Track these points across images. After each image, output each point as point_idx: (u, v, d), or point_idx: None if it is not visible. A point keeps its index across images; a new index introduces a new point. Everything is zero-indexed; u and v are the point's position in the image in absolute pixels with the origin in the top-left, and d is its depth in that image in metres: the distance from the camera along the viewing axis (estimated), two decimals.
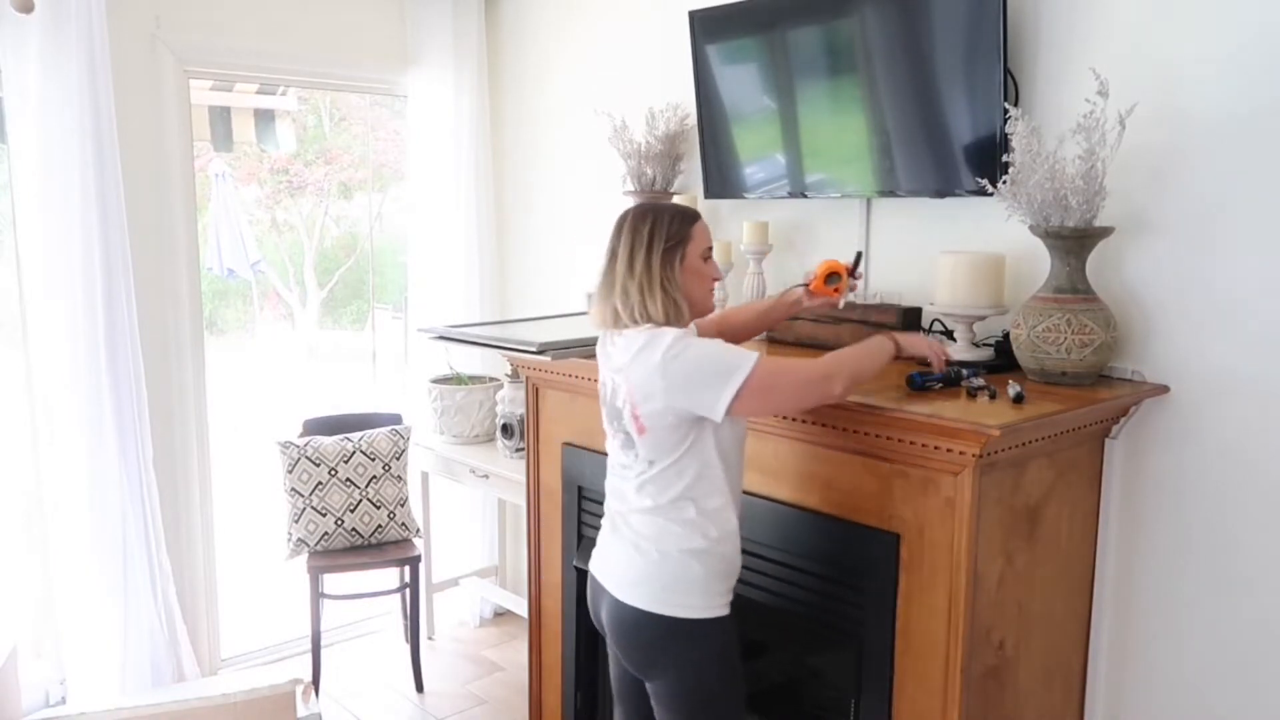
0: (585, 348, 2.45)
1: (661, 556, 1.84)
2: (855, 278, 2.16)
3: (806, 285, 2.14)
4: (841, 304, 2.15)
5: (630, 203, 3.05)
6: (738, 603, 1.91)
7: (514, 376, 3.39)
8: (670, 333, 1.78)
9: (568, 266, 3.59)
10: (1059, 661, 2.14)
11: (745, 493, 2.21)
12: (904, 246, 2.54)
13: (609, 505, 1.97)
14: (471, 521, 3.95)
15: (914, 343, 1.99)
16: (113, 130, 2.92)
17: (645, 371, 1.78)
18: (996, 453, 1.78)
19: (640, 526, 1.88)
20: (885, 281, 2.56)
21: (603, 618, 1.96)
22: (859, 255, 2.19)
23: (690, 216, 1.89)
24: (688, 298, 1.85)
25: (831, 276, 2.11)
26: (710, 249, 1.91)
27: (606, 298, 1.87)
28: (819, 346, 2.52)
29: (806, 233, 2.77)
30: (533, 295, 3.80)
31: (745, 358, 1.75)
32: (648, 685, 1.93)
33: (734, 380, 1.73)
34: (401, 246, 4.12)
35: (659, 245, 1.83)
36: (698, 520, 1.84)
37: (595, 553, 2.00)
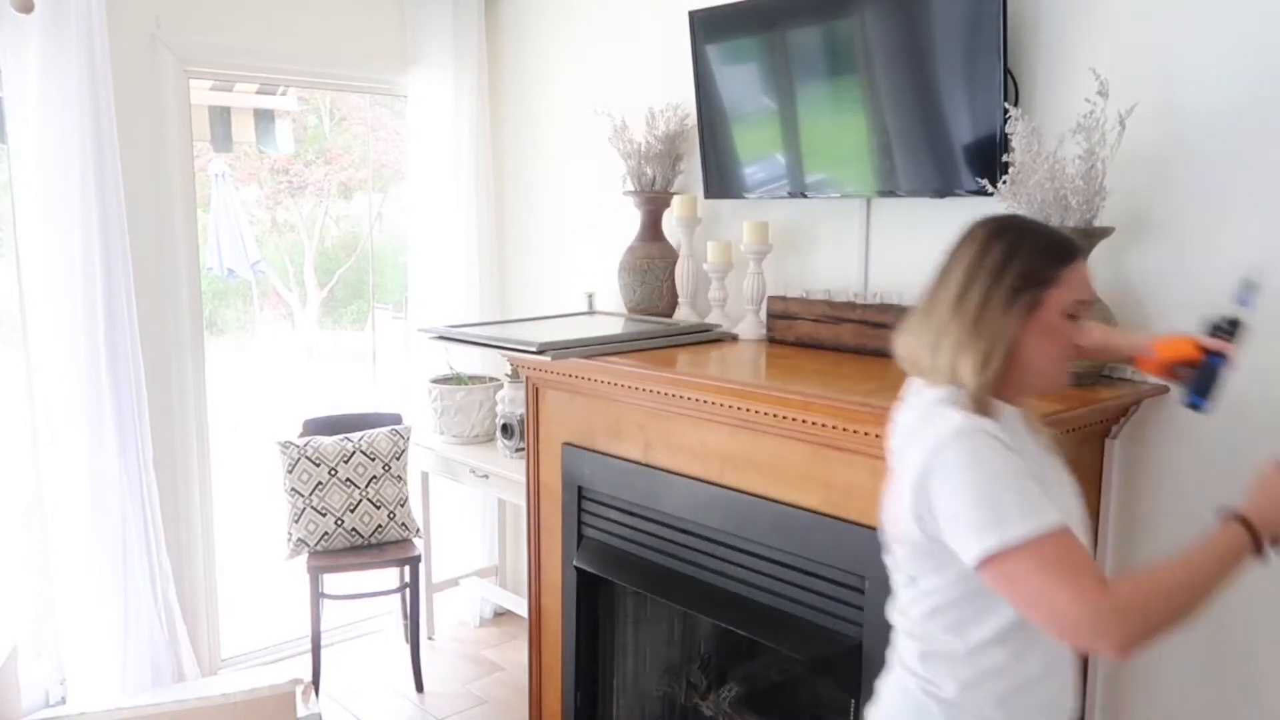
0: (585, 348, 2.46)
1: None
2: (1220, 355, 1.52)
3: (1146, 355, 1.60)
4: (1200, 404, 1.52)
5: (630, 202, 3.06)
6: (735, 600, 1.90)
7: (514, 376, 3.39)
8: (954, 417, 1.28)
9: (568, 266, 3.59)
10: None
11: (745, 493, 2.22)
12: (904, 246, 2.53)
13: None
14: (471, 521, 3.95)
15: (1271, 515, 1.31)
16: (113, 130, 2.92)
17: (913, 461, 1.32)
18: None
19: None
20: (885, 281, 2.56)
21: None
22: (1235, 324, 1.52)
23: (1066, 251, 1.36)
24: (1023, 367, 1.33)
25: (1179, 366, 1.54)
26: (1085, 303, 1.35)
27: (918, 333, 1.40)
28: (819, 347, 2.51)
29: (806, 233, 2.77)
30: (533, 295, 3.80)
31: (1035, 512, 1.22)
32: None
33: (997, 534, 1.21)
34: (401, 246, 4.12)
35: (1006, 281, 1.31)
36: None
37: None
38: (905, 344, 1.42)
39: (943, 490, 1.27)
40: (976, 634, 1.34)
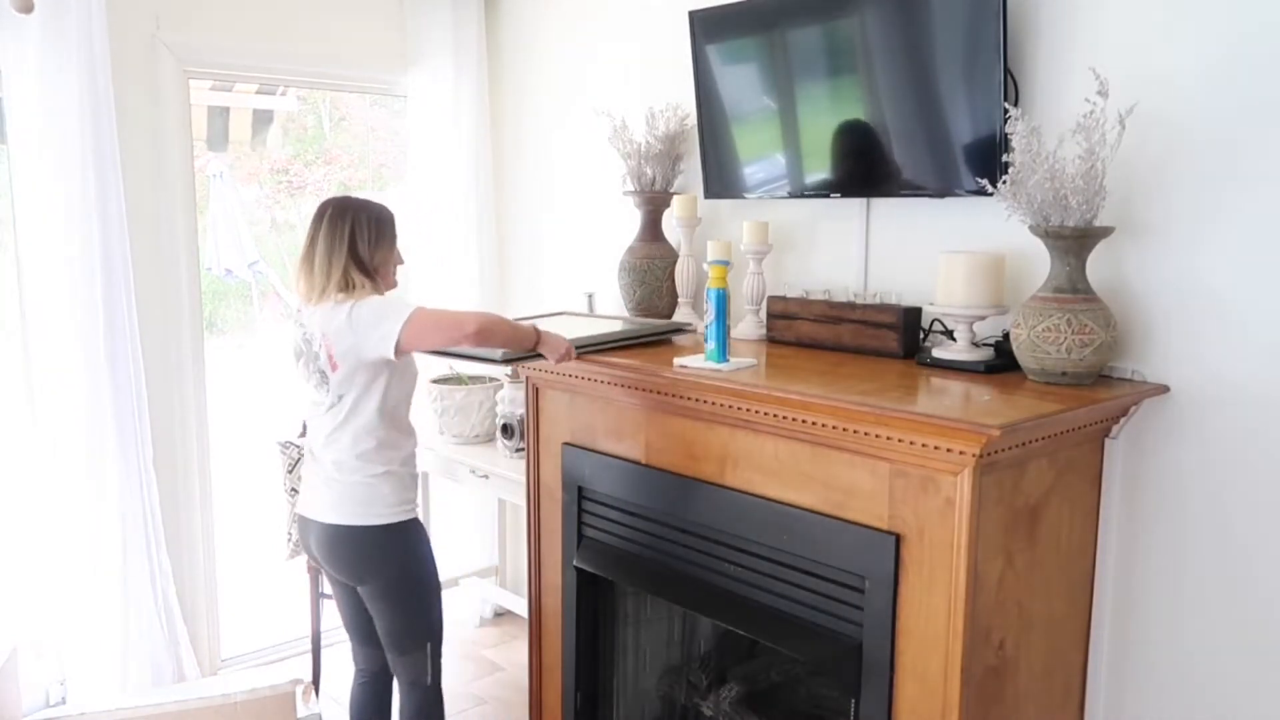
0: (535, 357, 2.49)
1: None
2: None
3: None
4: None
5: (630, 202, 3.07)
6: (735, 600, 1.91)
7: (514, 376, 3.39)
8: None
9: (568, 266, 3.59)
10: (1059, 661, 2.14)
11: (745, 492, 2.22)
12: (904, 246, 2.54)
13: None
14: (471, 522, 3.95)
15: (552, 343, 2.34)
16: (113, 130, 2.92)
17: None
18: (996, 453, 1.78)
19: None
20: (885, 281, 2.56)
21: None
22: None
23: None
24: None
25: None
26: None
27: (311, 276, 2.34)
28: (818, 347, 2.52)
29: (806, 233, 2.77)
30: (533, 295, 3.80)
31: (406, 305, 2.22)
32: (362, 590, 2.39)
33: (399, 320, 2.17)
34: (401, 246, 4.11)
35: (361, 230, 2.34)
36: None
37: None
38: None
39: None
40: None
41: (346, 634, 2.60)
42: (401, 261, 2.41)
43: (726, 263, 2.37)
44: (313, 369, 2.33)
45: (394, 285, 2.40)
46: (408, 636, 2.42)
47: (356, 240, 2.28)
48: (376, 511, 2.31)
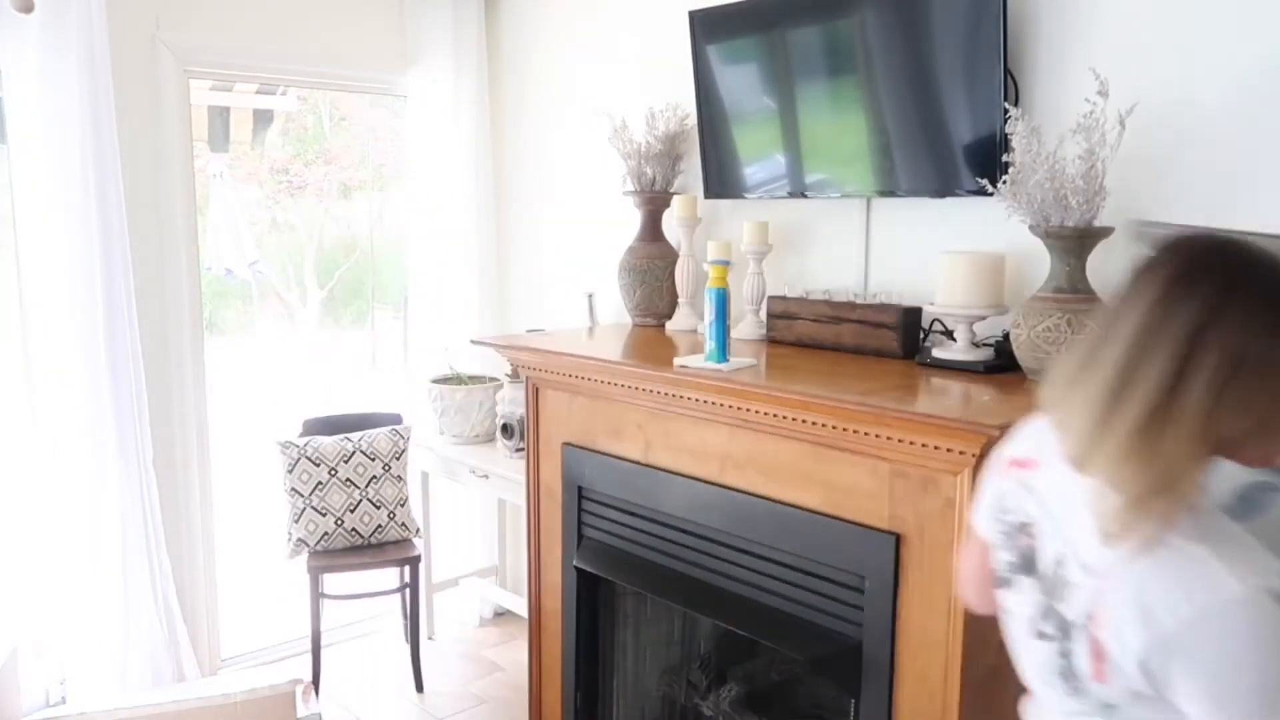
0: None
1: None
2: None
3: None
4: None
5: (630, 202, 3.06)
6: (735, 600, 1.91)
7: (514, 376, 3.39)
8: (1224, 572, 0.96)
9: (568, 266, 3.59)
10: None
11: (745, 493, 2.22)
12: (904, 246, 2.54)
13: None
14: (471, 521, 3.95)
15: None
16: (113, 130, 2.92)
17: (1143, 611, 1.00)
18: None
19: None
20: (885, 281, 2.56)
21: None
22: None
23: None
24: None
25: None
26: None
27: (1083, 410, 1.05)
28: (818, 347, 2.52)
29: (806, 233, 2.77)
30: (532, 295, 3.80)
31: None
32: None
33: None
34: (401, 246, 4.12)
35: (1249, 361, 0.96)
36: None
37: None
38: (1063, 411, 1.09)
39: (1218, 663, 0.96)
40: None
41: None
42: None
43: (727, 262, 2.37)
44: (1049, 628, 1.16)
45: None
46: None
47: (1240, 377, 0.97)
48: None
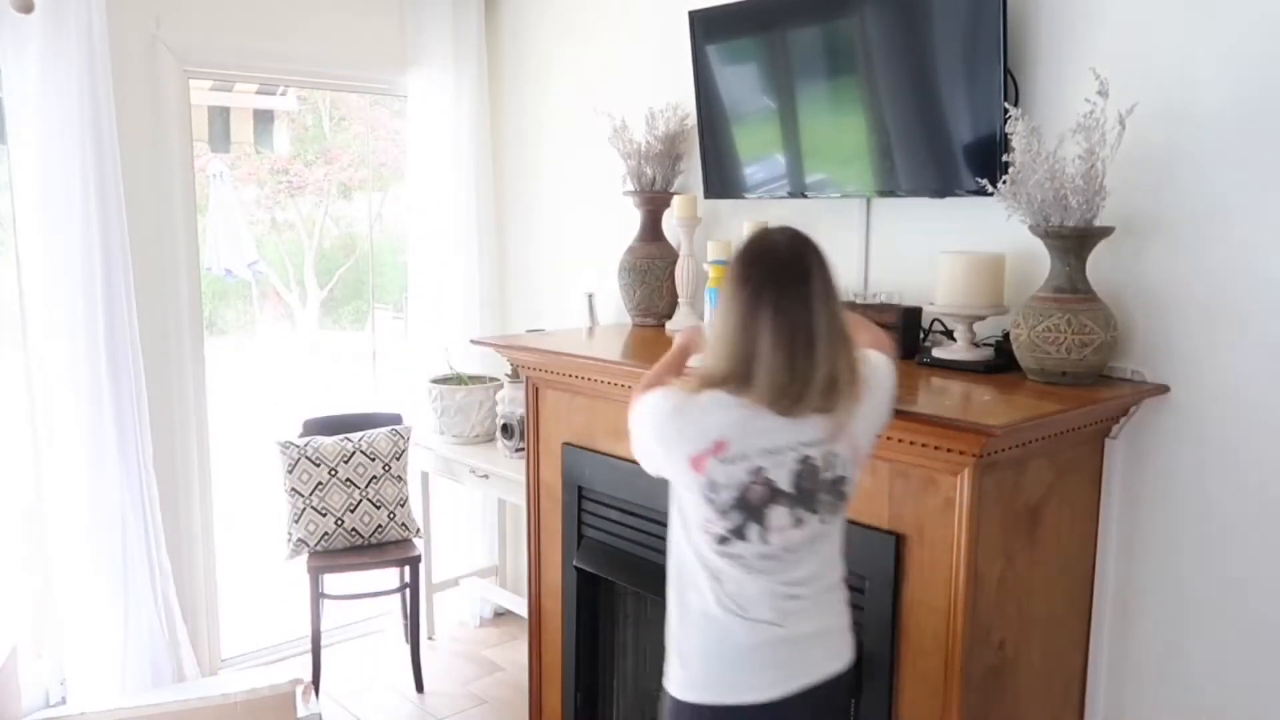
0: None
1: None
2: None
3: None
4: None
5: (630, 202, 3.06)
6: None
7: (514, 376, 3.39)
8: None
9: (568, 266, 3.58)
10: (1059, 661, 2.14)
11: None
12: (904, 246, 2.53)
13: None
14: (471, 521, 3.95)
15: None
16: (113, 130, 2.92)
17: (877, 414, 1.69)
18: (996, 452, 1.78)
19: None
20: (885, 281, 2.56)
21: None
22: None
23: None
24: None
25: None
26: None
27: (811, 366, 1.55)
28: None
29: (806, 232, 2.76)
30: (532, 295, 3.80)
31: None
32: None
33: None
34: (401, 246, 4.12)
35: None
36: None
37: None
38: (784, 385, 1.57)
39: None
40: None
41: None
42: None
43: (726, 262, 2.36)
44: (813, 503, 1.62)
45: None
46: None
47: (839, 297, 1.62)
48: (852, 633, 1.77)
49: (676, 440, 1.61)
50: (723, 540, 1.61)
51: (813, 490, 1.60)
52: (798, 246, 1.61)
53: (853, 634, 1.75)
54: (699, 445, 1.58)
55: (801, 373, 1.53)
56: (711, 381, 1.59)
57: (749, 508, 1.59)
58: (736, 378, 1.56)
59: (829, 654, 1.70)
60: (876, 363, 1.70)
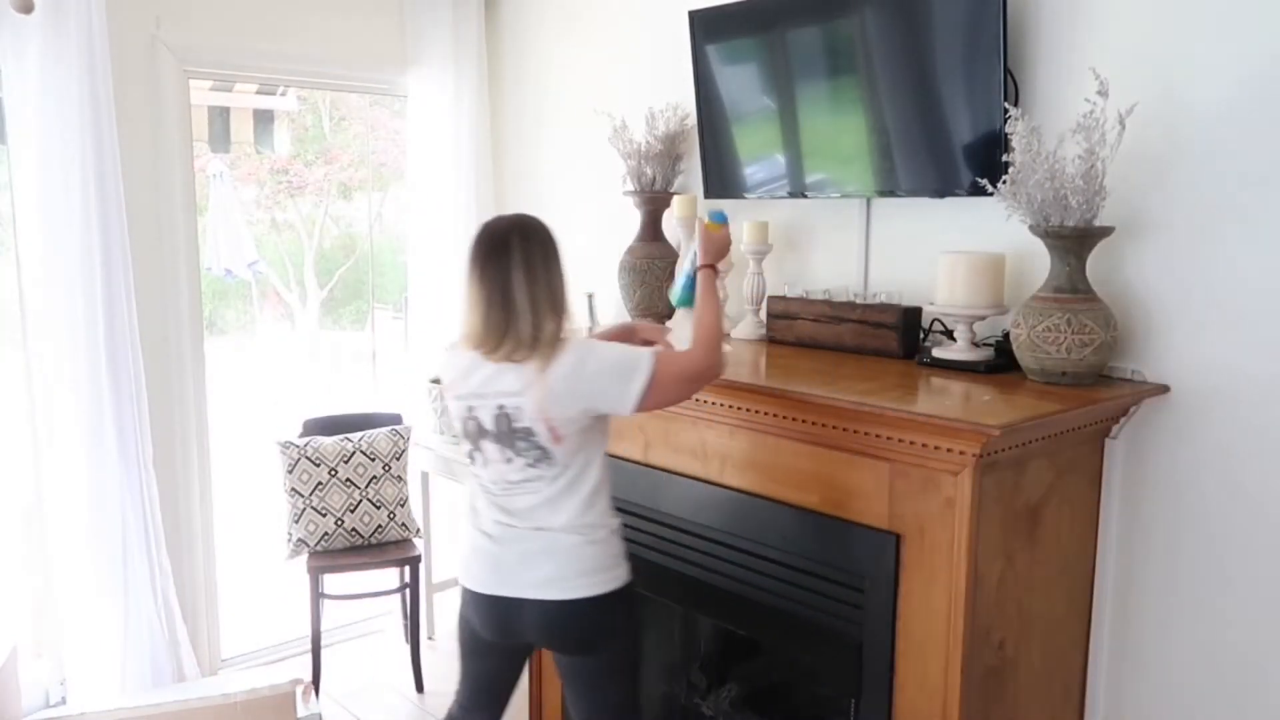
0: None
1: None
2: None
3: None
4: None
5: (630, 202, 3.07)
6: (736, 599, 1.91)
7: None
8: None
9: (568, 266, 3.57)
10: (1059, 661, 2.14)
11: (745, 493, 2.23)
12: (904, 246, 2.54)
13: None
14: None
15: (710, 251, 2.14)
16: (113, 130, 2.92)
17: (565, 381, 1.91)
18: (996, 452, 1.78)
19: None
20: (885, 281, 2.56)
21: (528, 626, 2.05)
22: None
23: None
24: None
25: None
26: None
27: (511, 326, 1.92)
28: (818, 347, 2.52)
29: (806, 233, 2.77)
30: None
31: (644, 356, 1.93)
32: (586, 663, 2.09)
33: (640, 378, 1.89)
34: (401, 246, 4.11)
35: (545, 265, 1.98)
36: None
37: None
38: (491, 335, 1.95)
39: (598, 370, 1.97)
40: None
41: (464, 696, 2.30)
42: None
43: (723, 218, 2.24)
44: (515, 448, 1.95)
45: None
46: (621, 717, 2.15)
47: (552, 270, 1.96)
48: (614, 575, 2.04)
49: (443, 380, 2.12)
50: (470, 459, 2.05)
51: (509, 435, 1.95)
52: (506, 228, 1.98)
53: (599, 577, 2.00)
54: (445, 383, 2.08)
55: (495, 327, 1.90)
56: (459, 337, 2.02)
57: (471, 438, 2.02)
58: (462, 334, 1.99)
59: (537, 583, 1.99)
60: (601, 351, 1.96)
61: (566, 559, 1.99)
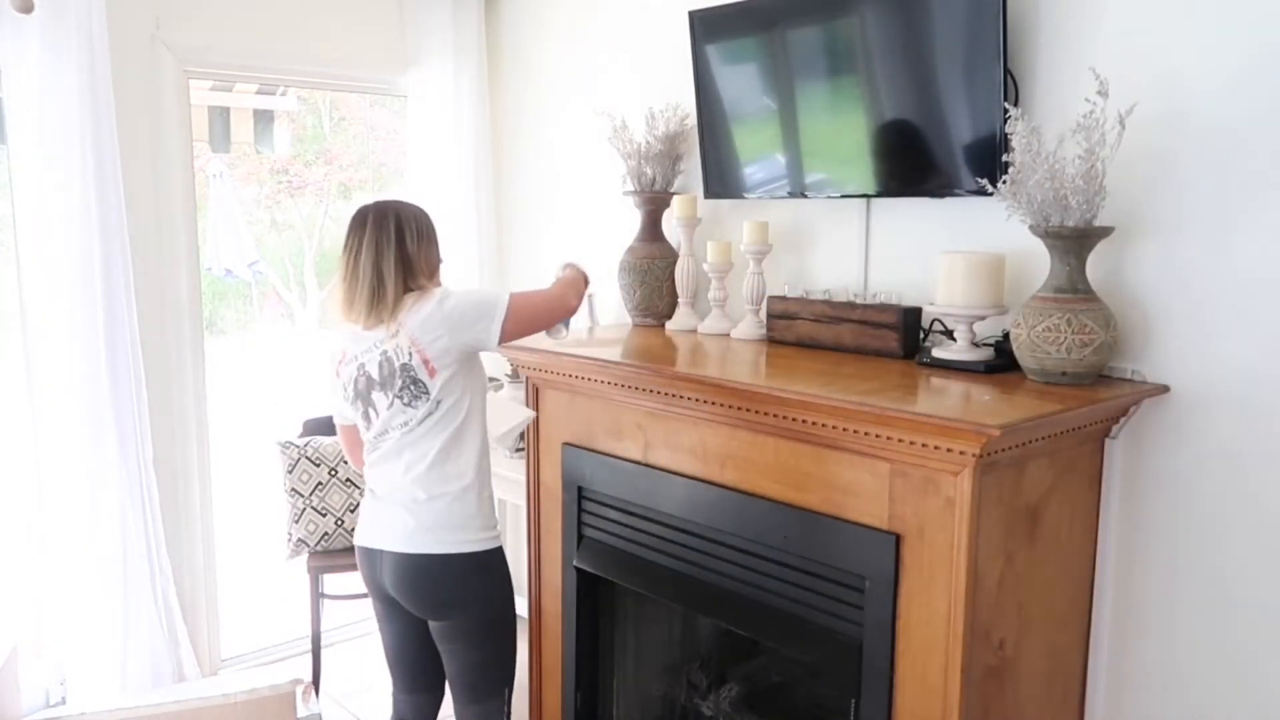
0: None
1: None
2: None
3: None
4: None
5: (630, 202, 3.07)
6: (735, 600, 1.91)
7: (514, 376, 3.39)
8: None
9: (431, 237, 3.56)
10: (1059, 661, 2.14)
11: (745, 493, 2.23)
12: (904, 246, 2.53)
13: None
14: None
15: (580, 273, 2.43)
16: (113, 130, 2.92)
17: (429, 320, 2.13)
18: (996, 452, 1.78)
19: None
20: (885, 281, 2.56)
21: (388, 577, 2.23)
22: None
23: None
24: None
25: None
26: None
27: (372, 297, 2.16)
28: (818, 347, 2.52)
29: (806, 233, 2.77)
30: None
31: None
32: (439, 626, 2.22)
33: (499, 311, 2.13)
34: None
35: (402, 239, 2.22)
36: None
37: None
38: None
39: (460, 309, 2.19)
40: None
41: (394, 681, 2.42)
42: (441, 260, 2.29)
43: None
44: (396, 388, 2.14)
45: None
46: (486, 680, 2.28)
47: (405, 242, 2.16)
48: (473, 537, 2.18)
49: (338, 354, 2.26)
50: (366, 424, 2.22)
51: (391, 376, 2.14)
52: (370, 210, 2.20)
53: (455, 535, 2.16)
54: (340, 357, 2.24)
55: (359, 294, 2.13)
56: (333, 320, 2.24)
57: (363, 398, 2.19)
58: (336, 316, 2.21)
59: (400, 535, 2.16)
60: (460, 292, 2.17)
61: (423, 512, 2.16)
